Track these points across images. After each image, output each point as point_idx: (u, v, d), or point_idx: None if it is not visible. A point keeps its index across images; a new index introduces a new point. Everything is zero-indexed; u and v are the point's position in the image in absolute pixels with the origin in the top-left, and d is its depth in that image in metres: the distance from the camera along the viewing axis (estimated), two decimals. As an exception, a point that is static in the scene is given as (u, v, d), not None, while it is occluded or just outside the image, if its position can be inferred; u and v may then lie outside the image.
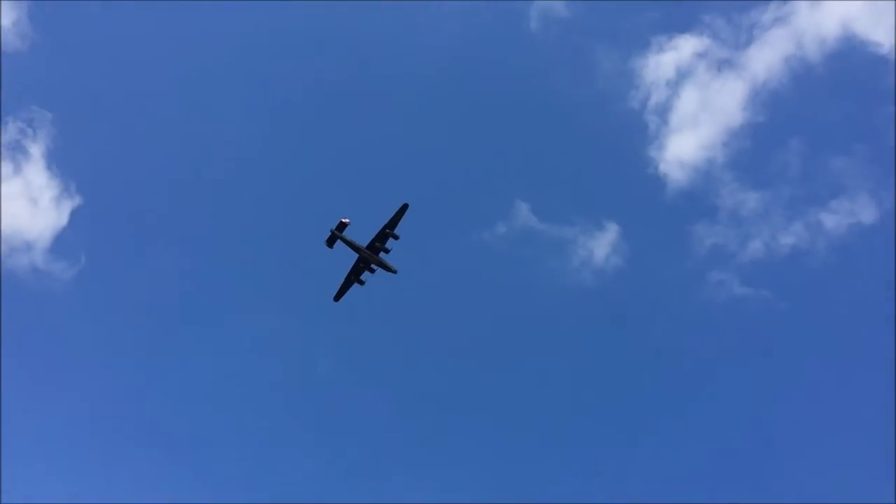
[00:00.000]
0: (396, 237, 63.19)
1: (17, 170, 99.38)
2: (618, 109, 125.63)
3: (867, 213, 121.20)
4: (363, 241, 63.49)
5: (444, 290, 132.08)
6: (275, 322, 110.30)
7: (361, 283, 65.49)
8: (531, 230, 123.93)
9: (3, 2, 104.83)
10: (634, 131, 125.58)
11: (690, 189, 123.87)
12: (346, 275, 65.25)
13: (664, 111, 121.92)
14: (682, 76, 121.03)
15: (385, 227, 62.49)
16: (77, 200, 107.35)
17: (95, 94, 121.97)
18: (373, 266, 64.47)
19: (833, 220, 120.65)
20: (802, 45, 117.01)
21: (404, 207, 62.04)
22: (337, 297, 66.32)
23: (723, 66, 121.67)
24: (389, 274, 65.25)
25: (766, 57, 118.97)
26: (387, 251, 63.70)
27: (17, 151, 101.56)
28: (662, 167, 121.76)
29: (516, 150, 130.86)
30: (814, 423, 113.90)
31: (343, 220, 62.33)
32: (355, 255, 64.06)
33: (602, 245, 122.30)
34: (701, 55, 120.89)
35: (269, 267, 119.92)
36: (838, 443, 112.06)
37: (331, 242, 62.72)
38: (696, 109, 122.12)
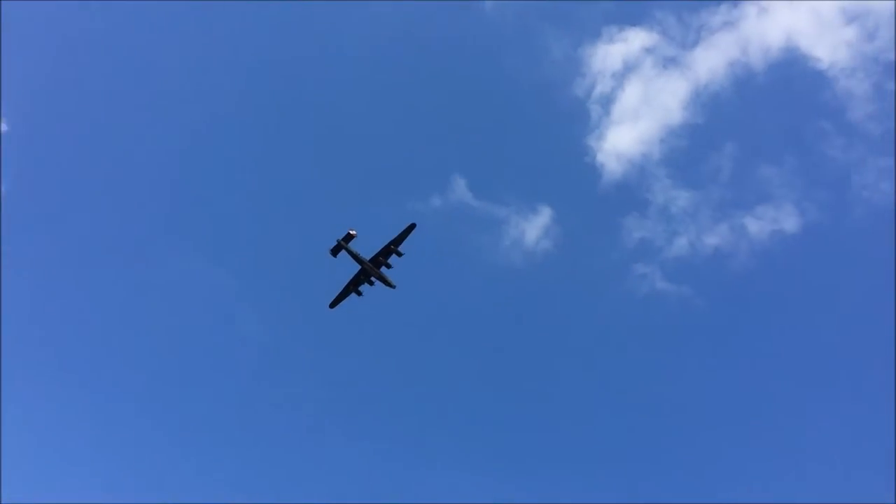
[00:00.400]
0: (400, 254, 64.45)
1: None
2: (563, 95, 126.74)
3: (790, 222, 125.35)
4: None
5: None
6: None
7: (359, 294, 66.52)
8: (466, 206, 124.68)
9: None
10: (577, 119, 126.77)
11: (624, 181, 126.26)
12: (347, 285, 66.23)
13: (608, 102, 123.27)
14: (628, 69, 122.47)
15: (390, 243, 63.77)
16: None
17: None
18: (372, 279, 65.74)
19: (757, 225, 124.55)
20: (747, 51, 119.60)
21: (412, 227, 63.27)
22: (332, 305, 67.21)
23: (668, 63, 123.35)
24: (388, 288, 66.78)
25: (711, 59, 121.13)
26: (388, 266, 64.98)
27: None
28: (600, 157, 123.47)
29: (460, 126, 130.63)
30: (715, 418, 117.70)
31: (350, 232, 62.93)
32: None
33: (534, 228, 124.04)
34: (649, 50, 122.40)
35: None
36: (735, 437, 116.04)
37: (335, 252, 63.51)
38: (639, 103, 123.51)
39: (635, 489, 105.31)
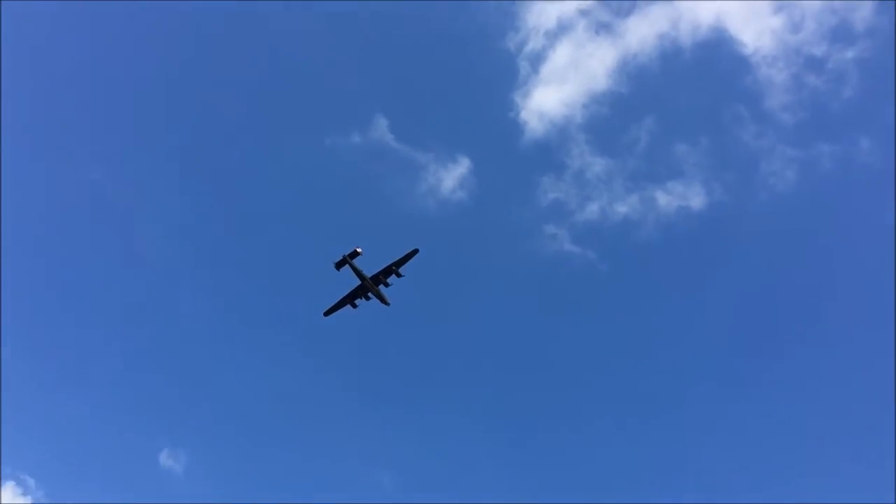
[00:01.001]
0: (400, 275, 67.51)
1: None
2: (494, 47, 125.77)
3: (697, 200, 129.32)
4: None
5: (285, 190, 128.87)
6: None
7: (354, 306, 69.05)
8: (386, 146, 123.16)
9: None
10: (505, 73, 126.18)
11: (545, 142, 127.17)
12: (344, 297, 68.70)
13: (537, 60, 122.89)
14: (561, 29, 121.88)
15: (393, 264, 66.86)
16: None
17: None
18: (369, 294, 68.47)
19: (666, 199, 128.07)
20: (678, 26, 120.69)
21: (415, 251, 66.83)
22: (327, 313, 69.67)
23: (601, 29, 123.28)
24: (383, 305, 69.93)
25: (643, 30, 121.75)
26: (387, 285, 67.99)
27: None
28: (524, 115, 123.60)
29: (387, 66, 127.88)
30: (602, 379, 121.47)
31: (357, 250, 65.41)
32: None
33: (451, 177, 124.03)
34: (584, 13, 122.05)
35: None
36: (617, 396, 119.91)
37: (339, 266, 65.73)
38: (567, 66, 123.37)
39: (523, 441, 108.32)
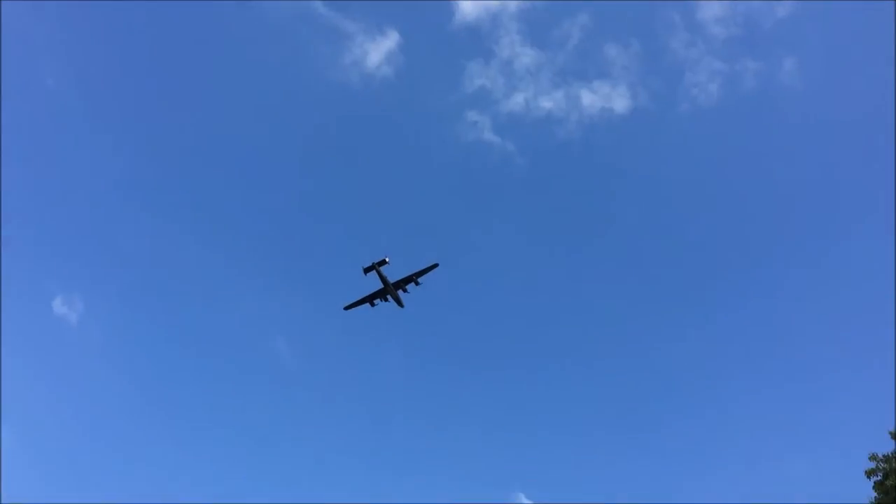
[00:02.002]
0: (418, 283, 73.06)
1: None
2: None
3: (621, 102, 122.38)
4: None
5: (200, 53, 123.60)
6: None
7: (373, 305, 74.57)
8: (313, 11, 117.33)
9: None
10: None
11: (476, 26, 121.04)
12: (366, 296, 73.88)
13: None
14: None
15: (414, 274, 72.48)
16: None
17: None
18: (388, 296, 74.01)
19: (590, 99, 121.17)
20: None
21: (435, 266, 72.63)
22: (347, 307, 74.92)
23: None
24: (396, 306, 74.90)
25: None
26: (405, 291, 73.72)
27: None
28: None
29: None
30: (512, 276, 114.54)
31: (385, 259, 71.19)
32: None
33: (378, 51, 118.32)
34: None
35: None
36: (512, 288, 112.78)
37: (367, 271, 70.96)
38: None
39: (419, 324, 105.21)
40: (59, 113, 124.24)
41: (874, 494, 40.66)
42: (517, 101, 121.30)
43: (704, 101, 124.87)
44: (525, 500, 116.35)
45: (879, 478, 40.41)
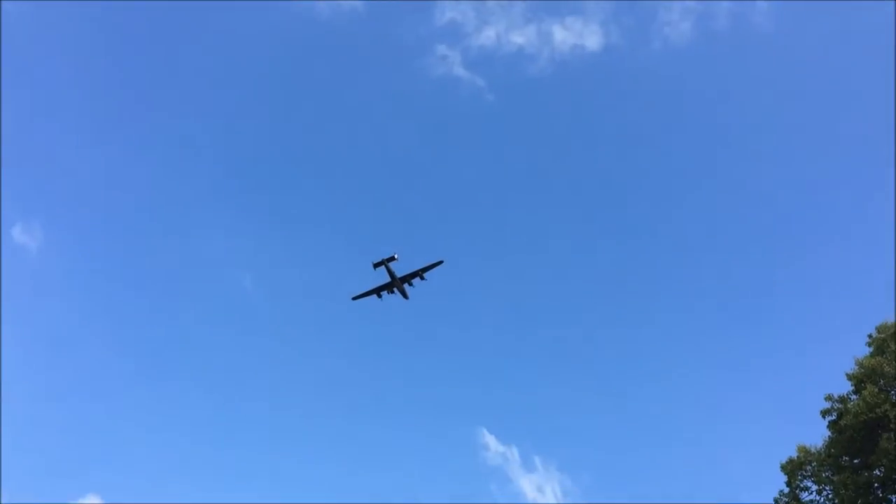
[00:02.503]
0: (423, 278, 76.20)
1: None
2: None
3: (593, 40, 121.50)
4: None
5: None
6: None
7: (380, 297, 77.67)
8: None
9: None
10: None
11: None
12: (374, 288, 77.19)
13: None
14: None
15: (420, 270, 75.73)
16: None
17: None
18: (394, 289, 77.17)
19: (563, 35, 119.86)
20: None
21: (440, 262, 75.99)
22: (355, 298, 78.27)
23: None
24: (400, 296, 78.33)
25: None
26: (411, 285, 76.79)
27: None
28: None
29: None
30: (481, 215, 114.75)
31: (395, 256, 74.54)
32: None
33: None
34: None
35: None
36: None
37: (377, 265, 74.43)
38: None
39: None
40: (23, 36, 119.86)
41: (829, 433, 42.22)
42: (488, 35, 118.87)
43: (677, 39, 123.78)
44: (487, 436, 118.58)
45: (834, 417, 41.83)
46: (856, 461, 40.46)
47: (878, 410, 37.91)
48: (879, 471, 39.62)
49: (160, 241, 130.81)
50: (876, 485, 40.27)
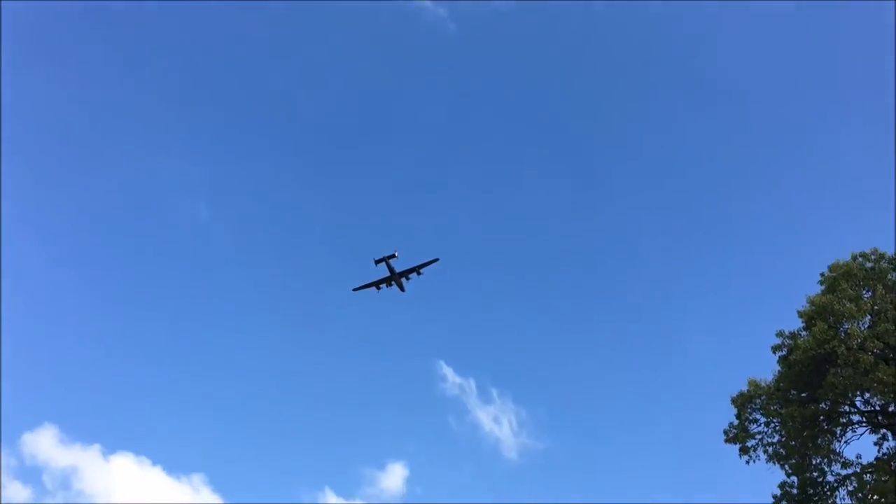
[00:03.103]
0: (420, 274, 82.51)
1: None
2: None
3: None
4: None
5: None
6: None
7: (378, 289, 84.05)
8: None
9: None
10: None
11: None
12: (374, 281, 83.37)
13: None
14: None
15: (418, 266, 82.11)
16: None
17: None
18: (392, 282, 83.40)
19: None
20: None
21: (435, 260, 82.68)
22: (356, 289, 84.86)
23: None
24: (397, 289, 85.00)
25: None
26: (408, 279, 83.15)
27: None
28: None
29: None
30: (442, 147, 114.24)
31: (395, 254, 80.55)
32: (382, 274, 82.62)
33: None
34: None
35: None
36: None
37: (378, 262, 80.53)
38: None
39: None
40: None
41: (779, 368, 43.53)
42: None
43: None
44: (445, 368, 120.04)
45: (784, 353, 43.08)
46: (803, 395, 41.89)
47: (826, 346, 39.02)
48: (825, 404, 41.17)
49: (113, 165, 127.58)
50: (821, 417, 41.90)
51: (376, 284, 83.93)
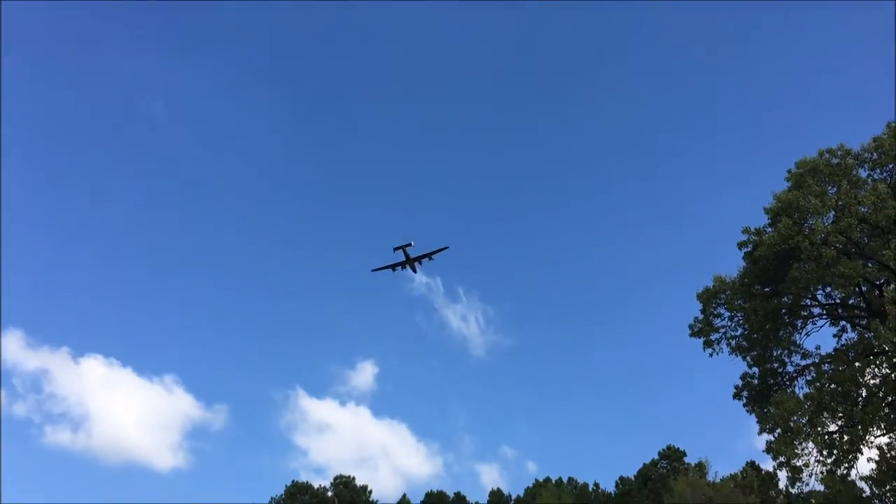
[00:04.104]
0: (431, 259, 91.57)
1: None
2: None
3: None
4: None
5: None
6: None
7: (393, 270, 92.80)
8: None
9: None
10: None
11: None
12: (390, 264, 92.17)
13: None
14: None
15: (431, 253, 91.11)
16: None
17: None
18: (406, 266, 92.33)
19: None
20: None
21: (445, 248, 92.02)
22: (374, 270, 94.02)
23: None
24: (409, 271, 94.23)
25: None
26: (420, 264, 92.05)
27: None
28: None
29: None
30: None
31: (411, 243, 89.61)
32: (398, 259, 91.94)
33: None
34: None
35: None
36: None
37: (396, 249, 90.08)
38: None
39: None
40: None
41: (744, 264, 44.25)
42: None
43: None
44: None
45: (749, 249, 43.70)
46: (766, 289, 42.81)
47: (790, 242, 39.57)
48: (788, 298, 42.16)
49: (69, 60, 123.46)
50: (783, 311, 42.99)
51: (392, 267, 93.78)
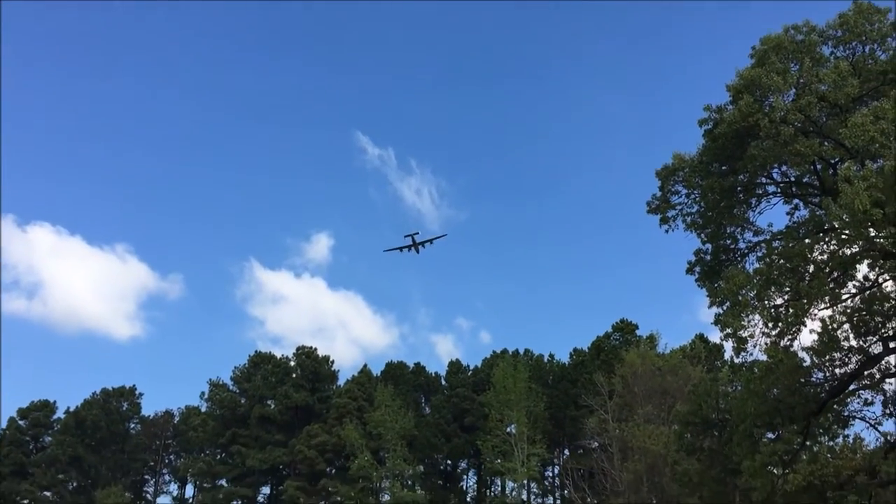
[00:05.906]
0: (432, 243, 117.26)
1: None
2: None
3: None
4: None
5: None
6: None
7: (402, 251, 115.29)
8: None
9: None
10: None
11: None
12: (399, 246, 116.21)
13: None
14: None
15: (431, 238, 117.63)
16: None
17: None
18: (412, 248, 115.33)
19: None
20: None
21: (444, 235, 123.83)
22: (386, 250, 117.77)
23: None
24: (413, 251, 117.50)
25: None
26: (424, 247, 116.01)
27: None
28: None
29: None
30: None
31: (417, 232, 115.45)
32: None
33: None
34: None
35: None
36: None
37: (406, 237, 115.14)
38: None
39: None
40: None
41: (703, 141, 44.39)
42: None
43: None
44: (363, 138, 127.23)
45: (710, 127, 43.77)
46: (724, 167, 43.22)
47: (750, 119, 39.61)
48: (744, 176, 42.67)
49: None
50: (739, 188, 43.60)
51: (401, 248, 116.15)
